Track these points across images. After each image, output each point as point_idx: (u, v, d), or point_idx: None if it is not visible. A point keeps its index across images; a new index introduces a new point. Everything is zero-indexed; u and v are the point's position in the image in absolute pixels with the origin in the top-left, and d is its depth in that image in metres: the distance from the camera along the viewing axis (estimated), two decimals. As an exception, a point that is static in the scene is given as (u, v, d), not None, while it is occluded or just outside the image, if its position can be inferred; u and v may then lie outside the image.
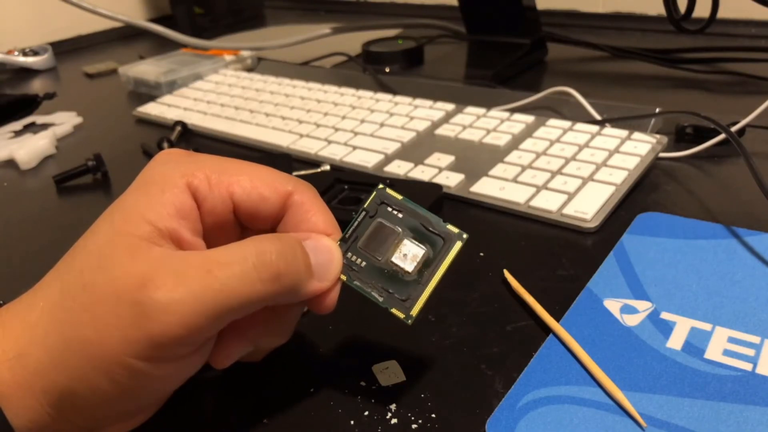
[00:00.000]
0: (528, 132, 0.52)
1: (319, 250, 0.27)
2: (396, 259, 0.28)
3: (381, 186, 0.29)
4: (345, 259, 0.28)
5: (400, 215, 0.28)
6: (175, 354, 0.24)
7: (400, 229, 0.28)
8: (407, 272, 0.28)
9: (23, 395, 0.24)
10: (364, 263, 0.28)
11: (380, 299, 0.27)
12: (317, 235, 0.28)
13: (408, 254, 0.28)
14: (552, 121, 0.53)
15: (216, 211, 0.27)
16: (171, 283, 0.23)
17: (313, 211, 0.28)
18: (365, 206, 0.29)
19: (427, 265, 0.28)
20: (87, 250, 0.25)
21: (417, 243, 0.28)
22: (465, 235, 0.28)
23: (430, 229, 0.28)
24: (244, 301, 0.24)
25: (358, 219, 0.29)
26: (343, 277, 0.28)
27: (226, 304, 0.24)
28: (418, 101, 0.60)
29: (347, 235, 0.28)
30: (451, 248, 0.28)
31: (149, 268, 0.23)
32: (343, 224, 0.29)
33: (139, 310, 0.23)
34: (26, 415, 0.24)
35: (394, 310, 0.27)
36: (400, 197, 0.29)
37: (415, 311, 0.27)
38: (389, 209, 0.29)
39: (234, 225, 0.29)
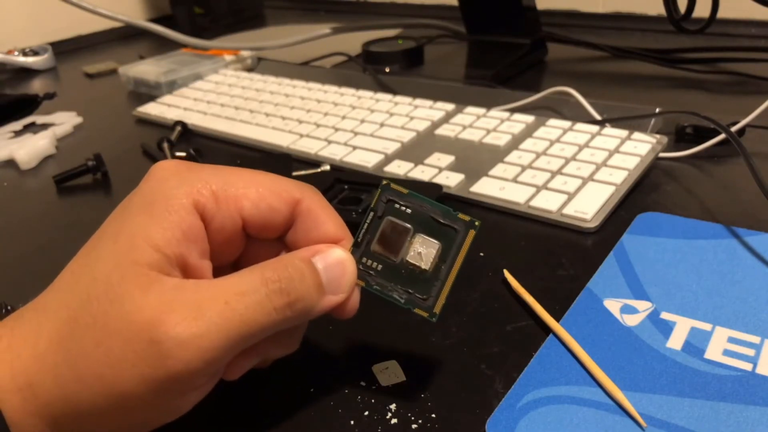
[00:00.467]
0: (528, 132, 0.52)
1: (330, 266, 0.27)
2: (411, 258, 0.27)
3: (385, 182, 0.28)
4: (361, 265, 0.28)
5: (408, 210, 0.28)
6: (192, 386, 0.24)
7: (410, 226, 0.28)
8: (424, 270, 0.27)
9: (34, 422, 0.23)
10: (380, 266, 0.28)
11: (402, 301, 0.27)
12: (327, 248, 0.27)
13: (422, 251, 0.27)
14: (552, 121, 0.53)
15: (225, 229, 0.27)
16: (189, 318, 0.23)
17: (322, 217, 0.28)
18: (372, 206, 0.28)
19: (443, 259, 0.27)
20: (92, 276, 0.24)
21: (430, 238, 0.27)
22: (477, 222, 0.27)
23: (441, 220, 0.27)
24: (260, 329, 0.24)
25: (367, 221, 0.28)
26: (362, 283, 0.28)
27: (244, 334, 0.24)
28: (418, 101, 0.60)
29: (359, 239, 0.28)
30: (465, 238, 0.27)
31: (164, 303, 0.23)
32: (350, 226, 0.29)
33: (156, 349, 0.22)
34: None
35: (417, 310, 0.27)
36: (405, 191, 0.28)
37: (437, 308, 0.27)
38: (396, 206, 0.28)
39: (241, 239, 0.28)
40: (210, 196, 0.26)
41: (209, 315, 0.23)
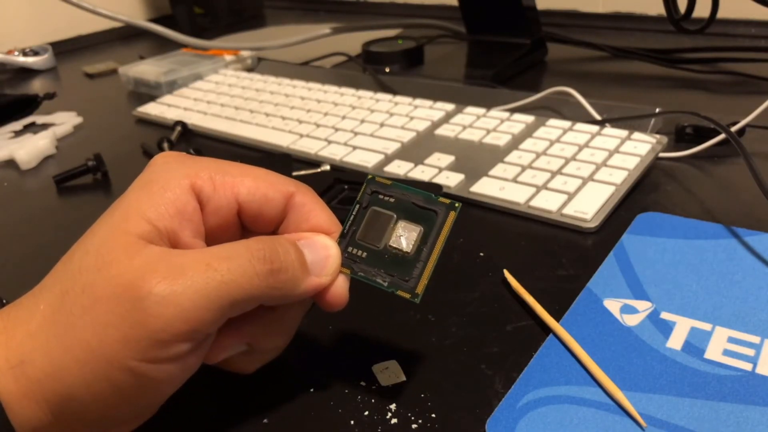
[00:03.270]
0: (528, 132, 0.52)
1: (314, 246, 0.27)
2: (393, 242, 0.28)
3: (370, 176, 0.29)
4: (346, 254, 0.28)
5: (392, 200, 0.29)
6: (176, 352, 0.24)
7: (393, 214, 0.28)
8: (406, 253, 0.28)
9: (27, 404, 0.23)
10: (364, 254, 0.28)
11: (385, 284, 0.28)
12: (312, 234, 0.28)
13: (404, 235, 0.28)
14: (552, 121, 0.53)
15: (220, 213, 0.27)
16: (171, 277, 0.23)
17: (315, 211, 0.29)
18: (358, 198, 0.29)
19: (424, 242, 0.28)
20: (85, 249, 0.25)
21: (411, 222, 0.28)
22: (458, 204, 0.28)
23: (423, 205, 0.28)
24: (243, 294, 0.24)
25: (353, 212, 0.29)
26: (347, 271, 0.28)
27: (226, 296, 0.24)
28: (418, 101, 0.60)
29: (345, 230, 0.29)
30: (445, 220, 0.28)
31: (147, 265, 0.23)
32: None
33: (138, 306, 0.23)
34: (29, 423, 0.24)
35: (400, 292, 0.27)
36: (389, 182, 0.29)
37: (419, 289, 0.27)
38: (381, 196, 0.29)
39: (236, 227, 0.29)
40: (208, 179, 0.27)
41: (190, 274, 0.23)
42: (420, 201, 0.28)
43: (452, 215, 0.28)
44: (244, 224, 0.29)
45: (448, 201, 0.28)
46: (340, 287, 0.28)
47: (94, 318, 0.23)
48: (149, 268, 0.23)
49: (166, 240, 0.25)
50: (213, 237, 0.28)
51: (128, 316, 0.23)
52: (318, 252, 0.27)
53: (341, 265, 0.28)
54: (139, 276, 0.23)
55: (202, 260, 0.24)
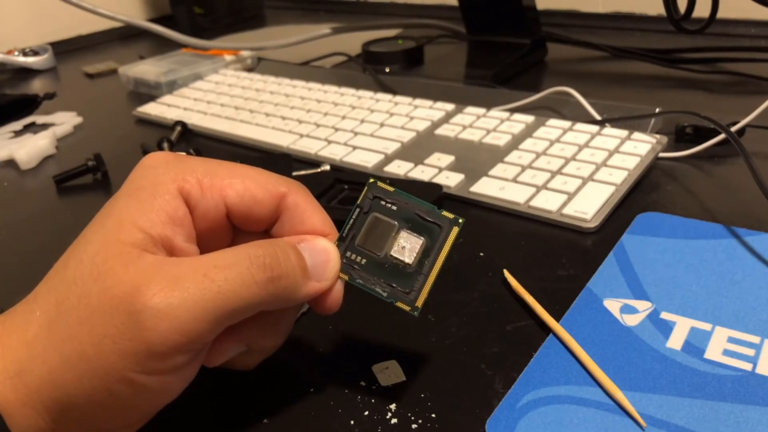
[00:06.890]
0: (528, 132, 0.52)
1: (315, 251, 0.27)
2: (395, 252, 0.28)
3: (372, 180, 0.29)
4: (345, 259, 0.28)
5: (394, 207, 0.28)
6: (174, 364, 0.24)
7: (395, 222, 0.28)
8: (407, 264, 0.27)
9: (27, 413, 0.23)
10: (364, 260, 0.28)
11: (384, 294, 0.27)
12: (312, 236, 0.28)
13: (406, 246, 0.28)
14: (552, 121, 0.53)
15: (209, 216, 0.27)
16: (167, 289, 0.23)
17: (309, 212, 0.28)
18: (358, 202, 0.29)
19: (426, 255, 0.27)
20: (79, 259, 0.24)
21: (414, 234, 0.28)
22: (461, 220, 0.28)
23: (426, 217, 0.28)
24: (241, 303, 0.24)
25: (353, 216, 0.28)
26: (345, 277, 0.28)
27: (224, 307, 0.24)
28: (418, 101, 0.60)
29: (344, 234, 0.28)
30: (448, 235, 0.27)
31: (143, 276, 0.23)
32: (343, 224, 0.29)
33: (134, 319, 0.22)
34: (29, 430, 0.24)
35: (399, 304, 0.27)
36: (392, 189, 0.28)
37: (420, 302, 0.27)
38: (383, 203, 0.28)
39: (227, 228, 0.29)
40: (195, 183, 0.27)
41: (187, 286, 0.23)
42: (424, 213, 0.28)
43: (455, 230, 0.27)
44: (235, 225, 0.29)
45: (452, 216, 0.28)
46: (337, 291, 0.28)
47: (90, 329, 0.23)
48: (145, 279, 0.23)
49: (160, 247, 0.25)
50: (204, 240, 0.27)
51: (125, 329, 0.23)
52: (318, 256, 0.27)
53: (340, 270, 0.28)
54: (134, 288, 0.23)
55: (199, 270, 0.24)
